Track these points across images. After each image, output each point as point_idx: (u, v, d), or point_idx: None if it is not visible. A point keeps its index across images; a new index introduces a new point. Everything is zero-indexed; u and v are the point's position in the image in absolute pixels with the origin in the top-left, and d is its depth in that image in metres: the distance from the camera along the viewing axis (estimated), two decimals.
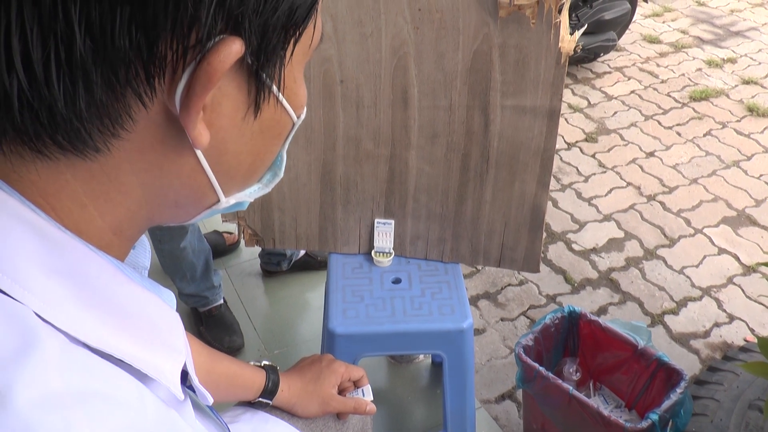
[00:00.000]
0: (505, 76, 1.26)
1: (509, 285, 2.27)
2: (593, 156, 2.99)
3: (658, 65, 3.80)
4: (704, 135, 3.14)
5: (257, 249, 2.27)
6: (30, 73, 0.31)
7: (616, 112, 3.33)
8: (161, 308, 0.43)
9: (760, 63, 3.83)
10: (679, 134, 3.15)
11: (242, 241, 2.36)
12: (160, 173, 0.39)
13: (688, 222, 2.58)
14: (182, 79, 0.35)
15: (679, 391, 1.41)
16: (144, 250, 0.50)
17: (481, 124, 1.32)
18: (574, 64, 3.67)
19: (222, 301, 2.05)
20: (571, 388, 1.42)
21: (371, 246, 1.49)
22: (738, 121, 3.26)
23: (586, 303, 2.20)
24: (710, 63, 3.81)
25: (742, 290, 2.26)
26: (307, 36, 0.41)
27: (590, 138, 3.12)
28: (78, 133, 0.34)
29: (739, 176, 2.85)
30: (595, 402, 1.48)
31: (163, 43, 0.33)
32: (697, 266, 2.37)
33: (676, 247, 2.45)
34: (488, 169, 1.37)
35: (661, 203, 2.69)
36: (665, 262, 2.38)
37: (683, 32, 4.25)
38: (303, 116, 0.45)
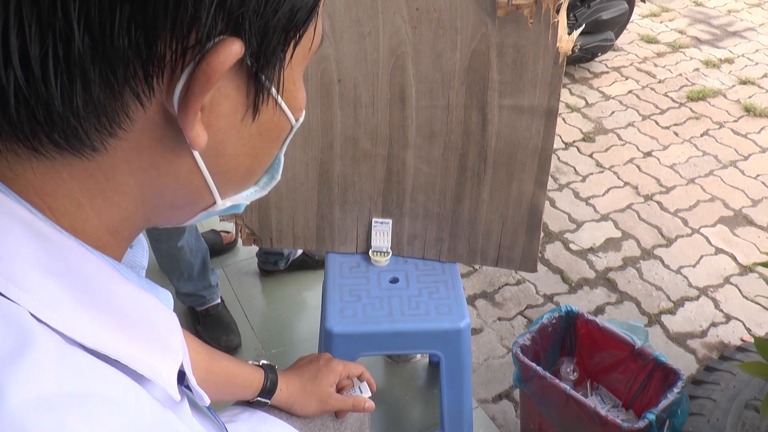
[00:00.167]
0: (503, 76, 1.26)
1: (506, 284, 2.27)
2: (591, 156, 2.99)
3: (655, 65, 3.80)
4: (701, 135, 3.15)
5: (254, 248, 2.26)
6: (27, 69, 0.31)
7: (613, 112, 3.33)
8: (158, 308, 0.43)
9: (757, 63, 3.84)
10: (676, 134, 3.15)
11: (239, 241, 2.36)
12: (157, 173, 0.39)
13: (685, 222, 2.59)
14: (181, 79, 0.35)
15: (676, 390, 1.41)
16: (142, 250, 0.50)
17: (479, 123, 1.32)
18: (571, 63, 3.68)
19: (219, 300, 2.04)
20: (568, 387, 1.43)
21: (369, 245, 1.49)
22: (735, 121, 3.26)
23: (583, 303, 2.21)
24: (707, 63, 3.82)
25: (739, 290, 2.26)
26: (307, 39, 0.40)
27: (588, 138, 3.12)
28: (75, 132, 0.34)
29: (736, 176, 2.86)
30: (592, 402, 1.48)
31: (163, 42, 0.33)
32: (694, 266, 2.37)
33: (673, 247, 2.46)
34: (486, 168, 1.37)
35: (659, 203, 2.69)
36: (662, 261, 2.39)
37: (680, 32, 4.25)
38: (301, 119, 0.45)
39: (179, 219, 0.45)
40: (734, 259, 2.40)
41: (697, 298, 2.23)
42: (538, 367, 1.47)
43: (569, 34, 1.21)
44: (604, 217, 2.61)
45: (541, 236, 1.44)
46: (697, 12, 4.59)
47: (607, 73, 3.72)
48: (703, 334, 2.10)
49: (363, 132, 1.36)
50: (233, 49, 0.34)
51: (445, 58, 1.26)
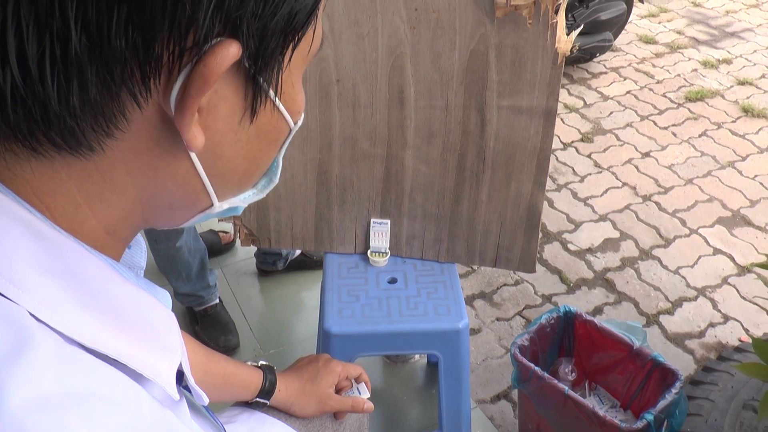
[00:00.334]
0: (502, 76, 1.26)
1: (505, 285, 2.27)
2: (589, 156, 2.99)
3: (653, 66, 3.81)
4: (699, 135, 3.15)
5: (253, 248, 2.26)
6: (24, 69, 0.31)
7: (611, 113, 3.34)
8: (157, 308, 0.43)
9: (755, 64, 3.84)
10: (674, 135, 3.16)
11: (238, 241, 2.37)
12: (155, 174, 0.39)
13: (683, 222, 2.59)
14: (178, 80, 0.35)
15: (674, 391, 1.41)
16: (140, 250, 0.50)
17: (478, 124, 1.32)
18: (570, 64, 3.68)
19: (217, 301, 2.04)
20: (566, 388, 1.43)
21: (367, 246, 1.49)
22: (733, 121, 3.27)
23: (581, 303, 2.21)
24: (705, 64, 3.82)
25: (737, 291, 2.26)
26: (306, 42, 0.40)
27: (586, 138, 3.12)
28: (72, 132, 0.34)
29: (734, 177, 2.86)
30: (591, 402, 1.48)
31: (160, 43, 0.33)
32: (692, 266, 2.37)
33: (671, 248, 2.46)
34: (484, 169, 1.37)
35: (657, 203, 2.69)
36: (660, 262, 2.39)
37: (679, 33, 4.26)
38: (300, 122, 0.45)
39: (177, 220, 0.45)
40: (732, 259, 2.41)
41: (695, 298, 2.24)
42: (537, 368, 1.47)
43: (568, 34, 1.21)
44: (603, 218, 2.61)
45: (540, 237, 1.44)
46: (696, 13, 4.60)
47: (606, 73, 3.72)
48: (701, 334, 2.10)
49: (361, 132, 1.36)
50: (230, 51, 0.34)
51: (443, 58, 1.26)
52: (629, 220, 2.60)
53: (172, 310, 0.46)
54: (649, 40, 4.12)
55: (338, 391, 1.02)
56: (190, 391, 0.52)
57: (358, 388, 1.04)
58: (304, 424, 0.97)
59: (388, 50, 1.26)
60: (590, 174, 2.87)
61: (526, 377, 1.49)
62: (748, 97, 3.47)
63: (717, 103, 3.42)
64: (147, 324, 0.41)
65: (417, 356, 1.96)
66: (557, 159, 2.97)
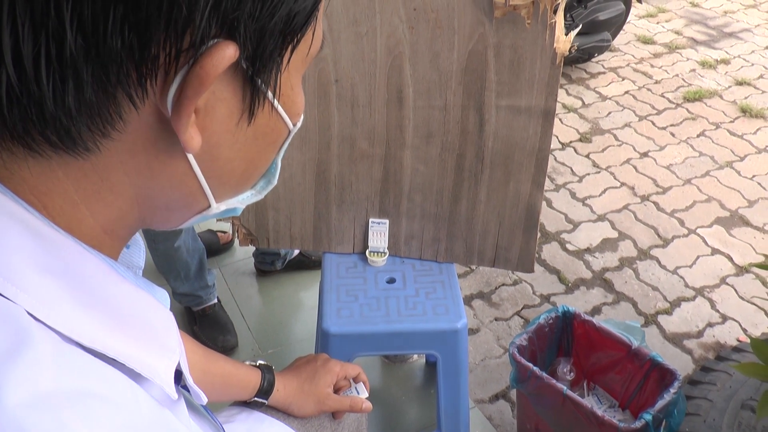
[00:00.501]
0: (500, 76, 1.26)
1: (503, 285, 2.27)
2: (587, 156, 3.00)
3: (652, 66, 3.81)
4: (698, 136, 3.15)
5: (251, 248, 2.26)
6: (20, 68, 0.31)
7: (610, 113, 3.34)
8: (155, 307, 0.43)
9: (753, 64, 3.85)
10: (672, 135, 3.16)
11: (236, 241, 2.37)
12: (152, 175, 0.39)
13: (681, 222, 2.59)
14: (174, 81, 0.34)
15: (672, 391, 1.42)
16: (138, 250, 0.50)
17: (476, 124, 1.32)
18: (568, 64, 3.68)
19: (216, 301, 2.04)
20: (564, 387, 1.43)
21: (366, 246, 1.49)
22: (731, 121, 3.27)
23: (580, 303, 2.21)
24: (704, 64, 3.83)
25: (735, 291, 2.27)
26: (306, 43, 0.40)
27: (584, 138, 3.13)
28: (68, 131, 0.34)
29: (732, 177, 2.86)
30: (589, 402, 1.48)
31: (156, 44, 0.33)
32: (690, 266, 2.37)
33: (669, 248, 2.46)
34: (483, 168, 1.37)
35: (655, 203, 2.69)
36: (659, 262, 2.39)
37: (677, 33, 4.26)
38: (299, 124, 0.45)
39: (174, 221, 0.45)
40: (730, 259, 2.41)
41: (694, 298, 2.24)
42: (535, 368, 1.47)
43: (566, 34, 1.22)
44: (601, 218, 2.61)
45: (538, 236, 1.44)
46: (694, 13, 4.60)
47: (604, 73, 3.72)
48: (700, 334, 2.10)
49: (360, 132, 1.35)
50: (227, 53, 0.34)
51: (442, 58, 1.26)
52: (627, 220, 2.60)
53: (170, 309, 0.46)
54: (647, 41, 4.12)
55: (336, 390, 1.02)
56: (188, 391, 0.52)
57: (356, 388, 1.04)
58: (302, 424, 0.97)
59: (386, 50, 1.26)
60: (588, 174, 2.87)
61: (524, 377, 1.49)
62: (746, 98, 3.47)
63: (715, 104, 3.42)
64: (145, 323, 0.41)
65: (415, 356, 1.96)
66: (556, 159, 2.97)
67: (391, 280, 1.45)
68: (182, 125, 0.36)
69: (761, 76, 3.71)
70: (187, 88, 0.34)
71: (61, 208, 0.37)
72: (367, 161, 1.39)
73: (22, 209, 0.35)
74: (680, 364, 1.99)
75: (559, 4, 1.17)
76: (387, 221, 1.46)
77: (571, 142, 3.10)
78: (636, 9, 4.46)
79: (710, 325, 2.14)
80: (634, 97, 3.48)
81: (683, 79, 3.67)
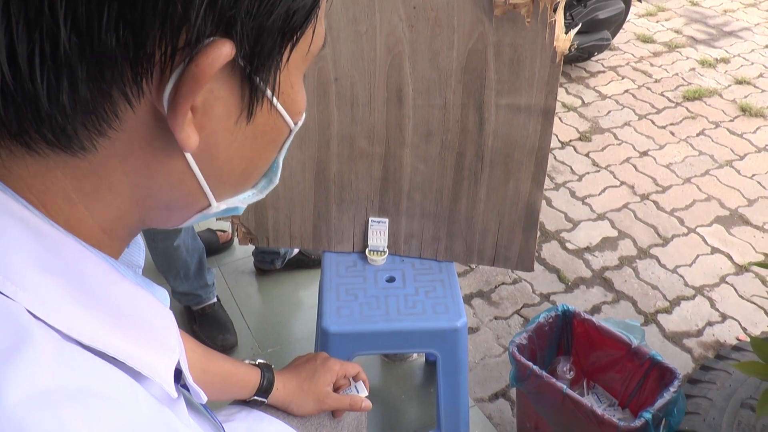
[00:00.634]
0: (500, 75, 1.26)
1: (503, 283, 2.27)
2: (587, 155, 3.00)
3: (651, 65, 3.81)
4: (697, 134, 3.15)
5: (251, 247, 2.26)
6: (14, 67, 0.31)
7: (609, 111, 3.34)
8: (155, 306, 0.43)
9: (752, 63, 3.85)
10: (672, 134, 3.16)
11: (236, 239, 2.37)
12: (150, 174, 0.39)
13: (681, 221, 2.59)
14: (170, 80, 0.34)
15: (672, 389, 1.42)
16: (138, 249, 0.50)
17: (476, 122, 1.32)
18: (568, 63, 3.68)
19: (215, 300, 2.04)
20: (564, 386, 1.43)
21: (365, 244, 1.49)
22: (731, 120, 3.27)
23: (579, 302, 2.21)
24: (703, 63, 3.83)
25: (735, 289, 2.27)
26: (306, 41, 0.40)
27: (584, 137, 3.12)
28: (63, 129, 0.34)
29: (732, 176, 2.86)
30: (589, 401, 1.48)
31: (151, 42, 0.32)
32: (690, 265, 2.37)
33: (669, 247, 2.46)
34: (483, 167, 1.37)
35: (655, 202, 2.69)
36: (658, 261, 2.39)
37: (677, 32, 4.26)
38: (300, 123, 0.44)
39: (174, 221, 0.44)
40: (730, 258, 2.41)
41: (693, 297, 2.24)
42: (535, 366, 1.47)
43: (566, 33, 1.21)
44: (601, 217, 2.61)
45: (538, 235, 1.44)
46: (693, 12, 4.60)
47: (604, 72, 3.72)
48: (699, 333, 2.10)
49: (360, 131, 1.35)
50: (223, 51, 0.34)
51: (442, 56, 1.25)
52: (627, 219, 2.60)
53: (170, 308, 0.46)
54: (647, 39, 4.12)
55: (336, 389, 1.02)
56: (188, 390, 0.52)
57: (356, 387, 1.04)
58: (302, 423, 0.97)
59: (386, 48, 1.26)
60: (588, 173, 2.87)
61: (524, 376, 1.49)
62: (745, 96, 3.47)
63: (715, 102, 3.42)
64: (145, 322, 0.41)
65: (415, 355, 1.96)
66: (555, 158, 2.97)
67: (391, 279, 1.45)
68: (178, 124, 0.35)
69: (761, 75, 3.71)
70: (183, 87, 0.34)
71: (60, 207, 0.37)
72: (367, 160, 1.39)
73: (21, 207, 0.35)
74: (680, 362, 1.99)
75: (558, 2, 1.17)
76: (387, 220, 1.46)
77: (570, 140, 3.10)
78: (636, 8, 4.46)
79: (710, 323, 2.14)
80: (633, 95, 3.48)
81: (683, 78, 3.67)
